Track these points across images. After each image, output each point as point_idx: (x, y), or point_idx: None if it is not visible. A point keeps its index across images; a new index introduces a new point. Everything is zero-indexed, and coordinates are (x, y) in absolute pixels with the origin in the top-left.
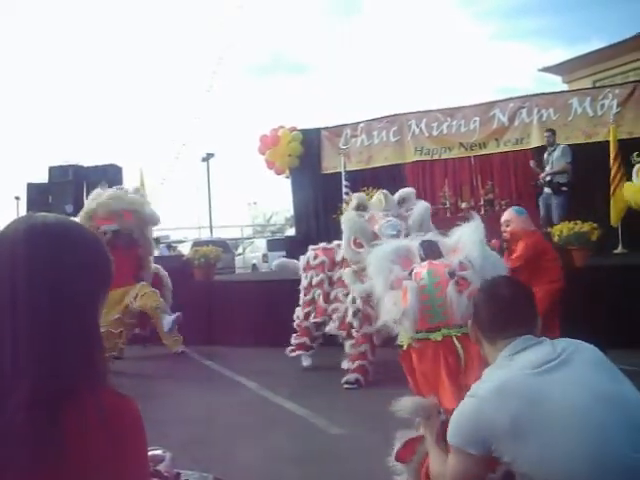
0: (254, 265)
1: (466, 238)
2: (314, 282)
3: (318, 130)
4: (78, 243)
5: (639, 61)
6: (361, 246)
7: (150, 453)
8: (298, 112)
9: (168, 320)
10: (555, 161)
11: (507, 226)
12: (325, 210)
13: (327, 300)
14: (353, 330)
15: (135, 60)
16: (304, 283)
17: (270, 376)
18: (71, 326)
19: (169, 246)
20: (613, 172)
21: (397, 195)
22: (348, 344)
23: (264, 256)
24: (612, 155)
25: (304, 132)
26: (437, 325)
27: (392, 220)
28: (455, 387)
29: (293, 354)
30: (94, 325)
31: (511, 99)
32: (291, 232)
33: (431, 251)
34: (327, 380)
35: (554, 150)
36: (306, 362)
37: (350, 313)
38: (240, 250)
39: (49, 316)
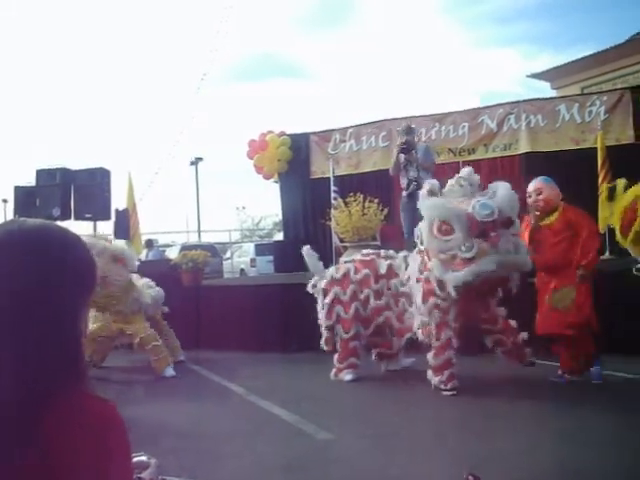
0: (242, 270)
1: None
2: (362, 296)
3: (307, 135)
4: (58, 248)
5: (627, 68)
6: (448, 232)
7: (135, 459)
8: (287, 117)
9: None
10: (420, 160)
11: (539, 194)
12: (314, 215)
13: (377, 313)
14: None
15: (123, 63)
16: (343, 298)
17: (258, 381)
18: (50, 331)
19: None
20: (601, 178)
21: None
22: (430, 356)
23: (252, 260)
24: (600, 162)
25: (293, 137)
26: None
27: (481, 199)
28: None
29: (345, 376)
30: (75, 330)
31: (500, 105)
32: (279, 237)
33: None
34: (316, 385)
35: (416, 150)
36: (349, 377)
37: (418, 323)
38: (228, 254)
39: (27, 321)
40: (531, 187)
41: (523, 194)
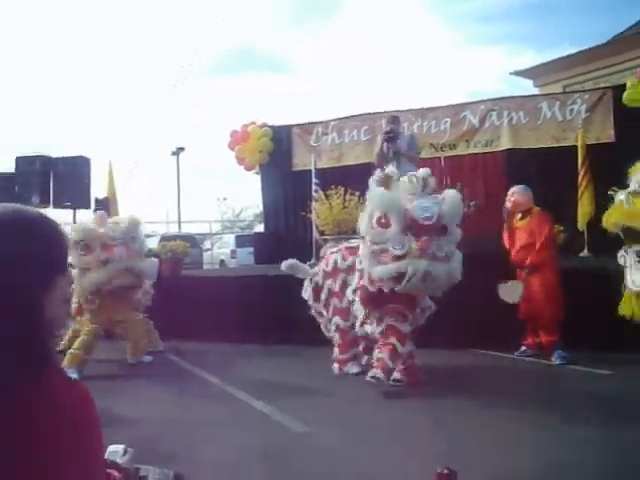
0: (222, 261)
1: None
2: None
3: (289, 127)
4: (20, 234)
5: (610, 67)
6: (385, 226)
7: (112, 449)
8: (270, 110)
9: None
10: (405, 150)
11: (510, 198)
12: (294, 207)
13: None
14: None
15: (106, 52)
16: (334, 288)
17: (236, 372)
18: (12, 318)
19: None
20: (580, 176)
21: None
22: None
23: (232, 252)
24: (580, 160)
25: (275, 129)
26: None
27: (425, 201)
28: None
29: (351, 368)
30: (38, 315)
31: (482, 101)
32: (260, 228)
33: None
34: (294, 378)
35: (401, 140)
36: (355, 369)
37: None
38: (208, 245)
39: None
40: (509, 192)
41: (504, 189)
